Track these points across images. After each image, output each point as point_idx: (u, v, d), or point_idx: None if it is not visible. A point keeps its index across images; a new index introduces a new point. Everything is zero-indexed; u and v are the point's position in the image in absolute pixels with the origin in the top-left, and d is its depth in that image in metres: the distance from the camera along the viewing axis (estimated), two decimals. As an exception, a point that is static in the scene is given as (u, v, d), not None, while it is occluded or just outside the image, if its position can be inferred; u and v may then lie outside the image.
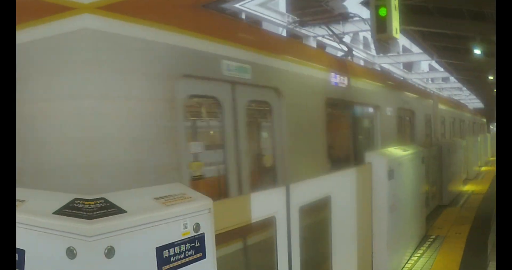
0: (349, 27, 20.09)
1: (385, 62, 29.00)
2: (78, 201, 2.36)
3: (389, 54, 26.57)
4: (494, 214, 11.49)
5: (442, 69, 32.82)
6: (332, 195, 5.19)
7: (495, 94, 7.93)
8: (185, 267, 2.63)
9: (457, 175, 15.71)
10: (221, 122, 3.91)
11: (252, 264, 4.13)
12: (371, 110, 8.81)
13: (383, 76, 12.10)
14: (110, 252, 2.20)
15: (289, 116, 4.68)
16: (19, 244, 2.31)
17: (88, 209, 2.29)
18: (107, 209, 2.34)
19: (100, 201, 2.39)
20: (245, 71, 4.08)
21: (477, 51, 18.41)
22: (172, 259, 2.54)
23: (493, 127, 50.03)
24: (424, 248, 8.93)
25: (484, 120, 36.99)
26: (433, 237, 9.75)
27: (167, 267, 2.51)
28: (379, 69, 26.34)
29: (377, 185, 6.54)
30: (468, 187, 17.39)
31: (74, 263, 2.07)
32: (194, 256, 2.70)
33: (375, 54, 26.45)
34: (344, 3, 17.76)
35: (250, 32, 5.06)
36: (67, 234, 2.18)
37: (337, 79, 6.52)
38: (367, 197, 6.44)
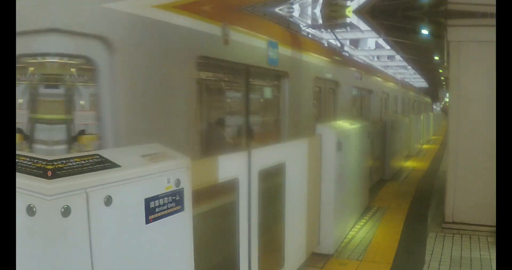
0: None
1: (332, 38, 29.61)
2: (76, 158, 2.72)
3: (336, 30, 27.24)
4: (434, 189, 12.35)
5: (388, 47, 33.71)
6: (286, 162, 5.68)
7: (439, 74, 8.59)
8: (166, 217, 3.05)
9: (399, 151, 16.53)
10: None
11: (218, 220, 4.61)
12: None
13: (337, 54, 12.68)
14: (108, 201, 2.59)
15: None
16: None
17: (87, 164, 2.67)
18: (103, 163, 2.73)
19: (96, 157, 2.78)
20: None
21: (424, 31, 19.16)
22: (157, 209, 2.95)
23: (436, 107, 51.75)
24: (367, 217, 9.60)
25: (430, 100, 38.37)
26: (375, 208, 10.45)
27: (152, 216, 2.92)
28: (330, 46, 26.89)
29: (326, 155, 7.05)
30: (409, 164, 18.33)
31: (75, 210, 2.43)
32: (175, 208, 3.12)
33: (323, 30, 27.03)
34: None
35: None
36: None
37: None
38: (317, 166, 6.96)
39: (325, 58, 10.45)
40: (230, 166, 4.34)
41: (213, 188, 4.14)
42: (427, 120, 28.33)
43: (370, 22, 21.46)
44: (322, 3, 8.22)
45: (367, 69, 15.57)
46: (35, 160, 2.51)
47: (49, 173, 2.38)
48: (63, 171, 2.44)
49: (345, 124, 8.41)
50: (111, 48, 3.91)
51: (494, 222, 8.16)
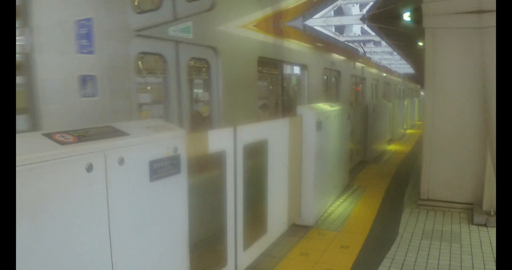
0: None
1: (317, 24, 30.19)
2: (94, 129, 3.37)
3: (321, 16, 27.81)
4: (413, 170, 13.06)
5: (373, 34, 34.31)
6: (268, 139, 6.34)
7: (424, 60, 9.08)
8: (166, 177, 3.73)
9: (381, 135, 17.25)
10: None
11: (208, 187, 5.31)
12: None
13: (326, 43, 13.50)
14: (121, 161, 3.25)
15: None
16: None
17: (103, 132, 3.32)
18: (116, 132, 3.38)
19: (109, 127, 3.43)
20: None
21: (406, 18, 19.80)
22: (159, 170, 3.62)
23: (423, 93, 52.34)
24: (347, 195, 10.29)
25: (416, 86, 39.04)
26: (355, 187, 11.16)
27: (155, 176, 3.59)
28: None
29: (306, 134, 7.70)
30: (391, 147, 19.07)
31: (96, 167, 3.08)
32: (173, 170, 3.80)
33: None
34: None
35: None
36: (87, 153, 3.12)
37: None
38: (298, 144, 7.61)
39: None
40: (219, 139, 5.00)
41: (204, 158, 4.80)
42: (411, 106, 29.02)
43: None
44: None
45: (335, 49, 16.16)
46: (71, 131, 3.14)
47: (75, 139, 3.02)
48: (86, 137, 3.10)
49: (326, 106, 9.07)
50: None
51: (467, 200, 8.92)
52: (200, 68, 8.33)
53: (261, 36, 8.86)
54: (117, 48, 5.21)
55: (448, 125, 9.06)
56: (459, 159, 9.03)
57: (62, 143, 2.91)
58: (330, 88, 13.85)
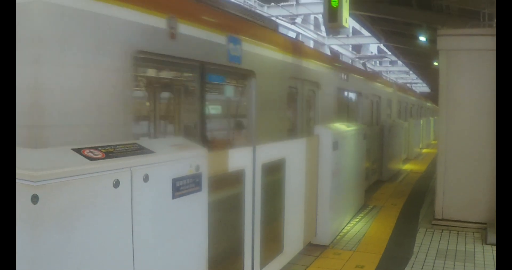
0: (301, 10, 21.42)
1: (335, 44, 30.50)
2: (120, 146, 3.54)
3: (338, 36, 28.12)
4: (429, 189, 13.11)
5: (390, 53, 34.50)
6: (286, 158, 6.48)
7: (439, 80, 9.25)
8: (188, 195, 3.88)
9: (397, 154, 17.30)
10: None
11: (227, 204, 5.44)
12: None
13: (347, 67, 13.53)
14: (146, 178, 3.41)
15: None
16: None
17: (129, 149, 3.49)
18: (142, 149, 3.54)
19: (135, 145, 3.60)
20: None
21: (422, 38, 19.98)
22: (181, 188, 3.77)
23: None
24: (362, 215, 10.36)
25: (431, 104, 38.98)
26: (371, 206, 11.23)
27: (178, 193, 3.74)
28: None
29: (323, 154, 7.84)
30: (407, 166, 19.11)
31: (122, 183, 3.24)
32: (194, 188, 3.95)
33: (325, 35, 27.88)
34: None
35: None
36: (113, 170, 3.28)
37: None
38: (315, 164, 7.73)
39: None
40: (238, 158, 5.16)
41: (224, 176, 4.95)
42: (427, 125, 29.01)
43: (371, 28, 22.19)
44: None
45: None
46: (99, 148, 3.30)
47: (103, 155, 3.19)
48: (114, 153, 3.26)
49: (342, 126, 9.21)
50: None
51: (481, 219, 8.98)
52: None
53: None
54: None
55: (462, 145, 9.17)
56: (473, 179, 9.12)
57: (91, 159, 3.06)
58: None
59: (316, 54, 9.97)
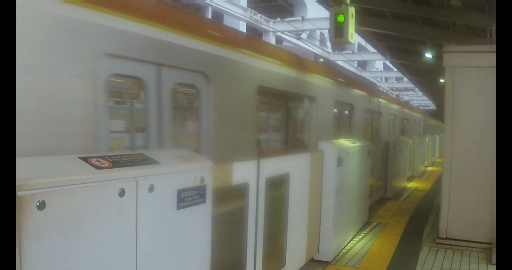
0: (307, 25, 21.60)
1: (340, 59, 30.67)
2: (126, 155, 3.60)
3: (344, 52, 28.31)
4: (433, 208, 13.12)
5: (395, 69, 34.67)
6: (290, 173, 6.53)
7: (445, 98, 9.31)
8: (192, 206, 3.93)
9: (402, 172, 17.31)
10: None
11: (230, 217, 5.49)
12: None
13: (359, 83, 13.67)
14: (151, 188, 3.47)
15: None
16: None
17: (135, 159, 3.55)
18: (147, 160, 3.61)
19: (141, 155, 3.66)
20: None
21: (428, 55, 20.10)
22: (185, 199, 3.83)
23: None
24: (366, 232, 10.39)
25: (437, 122, 39.10)
26: (374, 224, 11.25)
27: (182, 204, 3.80)
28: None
29: (327, 169, 7.89)
30: (412, 184, 19.11)
31: (128, 193, 3.30)
32: (198, 200, 4.00)
33: (331, 51, 28.07)
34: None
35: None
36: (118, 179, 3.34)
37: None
38: (318, 179, 7.78)
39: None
40: (243, 172, 5.21)
41: (228, 189, 5.01)
42: (432, 143, 29.03)
43: (377, 45, 22.32)
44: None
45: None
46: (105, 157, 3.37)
47: (109, 164, 3.25)
48: (120, 163, 3.33)
49: (347, 142, 9.26)
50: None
51: (486, 239, 8.99)
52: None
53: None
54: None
55: (467, 163, 9.20)
56: (478, 198, 9.14)
57: (98, 167, 3.13)
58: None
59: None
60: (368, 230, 10.61)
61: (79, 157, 3.19)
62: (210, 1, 16.45)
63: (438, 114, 42.73)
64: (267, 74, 7.76)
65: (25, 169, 2.75)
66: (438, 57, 19.53)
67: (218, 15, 17.84)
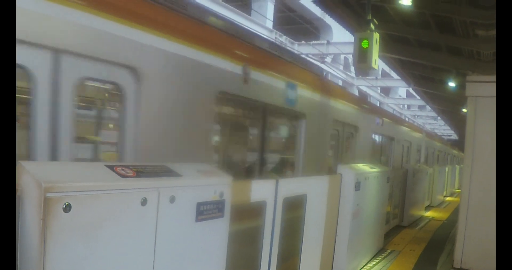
0: (331, 49, 21.80)
1: (363, 85, 30.78)
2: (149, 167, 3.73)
3: (367, 78, 28.44)
4: (449, 238, 13.08)
5: (418, 97, 34.68)
6: (308, 194, 6.62)
7: (466, 127, 9.35)
8: (210, 220, 4.04)
9: (420, 200, 17.27)
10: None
11: (245, 237, 5.57)
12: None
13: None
14: (172, 199, 3.59)
15: None
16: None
17: (158, 170, 3.68)
18: (170, 172, 3.74)
19: (164, 167, 3.80)
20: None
21: (451, 84, 20.14)
22: (204, 212, 3.94)
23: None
24: (380, 258, 10.39)
25: (458, 152, 38.96)
26: (389, 251, 11.24)
27: (200, 217, 3.91)
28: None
29: (344, 193, 7.95)
30: (429, 213, 19.02)
31: (150, 202, 3.42)
32: (217, 214, 4.12)
33: (354, 76, 28.20)
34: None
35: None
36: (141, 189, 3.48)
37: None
38: (336, 203, 7.84)
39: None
40: (261, 190, 5.32)
41: (246, 206, 5.12)
42: (452, 172, 28.92)
43: (400, 71, 22.42)
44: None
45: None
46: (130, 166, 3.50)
47: (134, 174, 3.38)
48: (144, 173, 3.46)
49: (366, 167, 9.33)
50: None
51: (501, 271, 8.94)
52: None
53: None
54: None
55: (484, 195, 9.18)
56: (494, 229, 9.08)
57: (123, 176, 3.27)
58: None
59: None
60: (383, 256, 10.60)
61: (105, 165, 3.33)
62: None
63: (459, 144, 42.57)
64: (235, 78, 6.90)
65: (54, 172, 2.90)
66: (462, 86, 19.60)
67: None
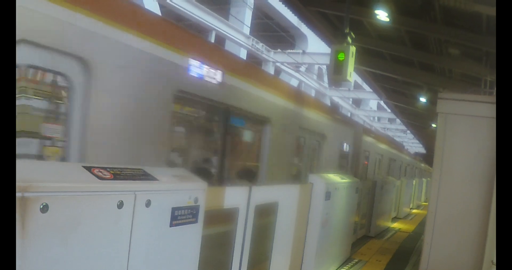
0: (306, 59, 21.96)
1: (335, 95, 31.00)
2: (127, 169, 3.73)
3: (340, 88, 28.67)
4: (415, 249, 13.24)
5: (389, 110, 35.05)
6: (279, 202, 6.66)
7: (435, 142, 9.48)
8: (184, 225, 4.05)
9: (387, 212, 17.47)
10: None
11: (217, 242, 5.58)
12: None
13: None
14: (148, 203, 3.59)
15: None
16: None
17: (135, 174, 3.68)
18: (146, 176, 3.74)
19: (141, 170, 3.80)
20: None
21: (422, 99, 20.45)
22: (179, 217, 3.95)
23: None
24: (347, 268, 10.46)
25: (426, 166, 39.42)
26: (356, 260, 11.33)
27: (175, 222, 3.92)
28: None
29: (314, 202, 8.00)
30: (396, 225, 19.22)
31: (126, 205, 3.42)
32: (191, 219, 4.13)
33: (327, 86, 28.38)
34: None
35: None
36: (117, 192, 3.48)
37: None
38: (306, 211, 7.89)
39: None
40: (234, 197, 5.34)
41: (219, 212, 5.13)
42: (419, 186, 29.27)
43: (373, 84, 22.68)
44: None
45: None
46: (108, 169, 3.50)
47: (111, 176, 3.38)
48: (121, 176, 3.46)
49: (336, 177, 9.41)
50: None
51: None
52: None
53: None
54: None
55: (451, 209, 9.33)
56: (460, 242, 9.25)
57: (100, 178, 3.26)
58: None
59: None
60: (349, 266, 10.68)
61: (82, 166, 3.32)
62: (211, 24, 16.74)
63: (427, 158, 43.07)
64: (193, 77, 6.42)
65: (31, 171, 2.89)
66: (432, 102, 19.92)
67: (221, 39, 18.15)
